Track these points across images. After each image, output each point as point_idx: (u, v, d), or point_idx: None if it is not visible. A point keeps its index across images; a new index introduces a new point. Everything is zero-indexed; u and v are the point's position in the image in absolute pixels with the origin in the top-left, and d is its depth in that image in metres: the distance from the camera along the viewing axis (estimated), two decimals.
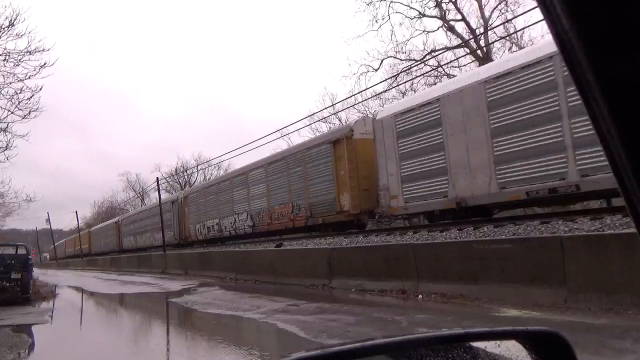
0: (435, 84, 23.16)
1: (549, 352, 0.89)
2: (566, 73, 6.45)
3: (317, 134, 26.76)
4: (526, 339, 0.94)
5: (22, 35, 13.02)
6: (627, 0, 0.45)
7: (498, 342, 0.95)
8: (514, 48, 23.26)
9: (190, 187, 46.75)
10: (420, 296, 8.86)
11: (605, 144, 0.52)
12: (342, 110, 31.57)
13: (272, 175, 18.97)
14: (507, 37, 23.52)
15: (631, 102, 0.48)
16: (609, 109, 0.49)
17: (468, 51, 24.45)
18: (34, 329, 9.91)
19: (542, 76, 9.89)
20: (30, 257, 15.27)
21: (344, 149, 15.02)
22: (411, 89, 26.17)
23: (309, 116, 30.15)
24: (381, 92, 27.11)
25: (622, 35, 0.46)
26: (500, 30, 23.96)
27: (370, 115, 16.46)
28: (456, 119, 11.63)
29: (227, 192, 22.41)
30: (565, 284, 6.82)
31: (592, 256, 6.65)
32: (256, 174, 20.19)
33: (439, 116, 12.10)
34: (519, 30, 22.30)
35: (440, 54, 25.99)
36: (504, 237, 9.09)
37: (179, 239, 26.39)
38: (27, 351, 7.90)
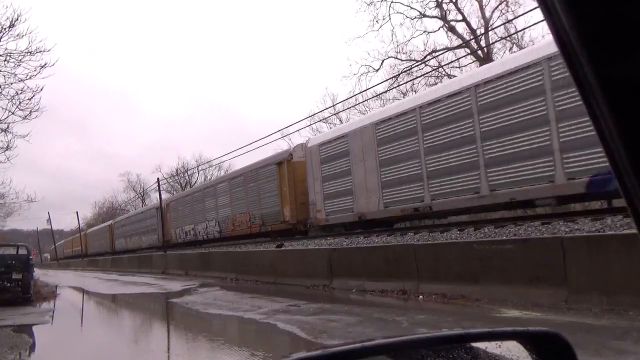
0: (435, 84, 23.16)
1: (550, 353, 0.89)
2: (424, 122, 9.09)
3: (318, 134, 26.93)
4: (527, 339, 0.94)
5: (23, 36, 13.02)
6: (627, 0, 0.45)
7: (499, 342, 0.94)
8: (515, 49, 23.25)
9: (191, 187, 46.87)
10: (420, 297, 8.85)
11: (605, 144, 0.52)
12: (343, 110, 31.59)
13: (235, 188, 21.98)
14: (508, 38, 23.52)
15: (631, 102, 0.48)
16: (609, 108, 0.49)
17: (469, 51, 24.45)
18: (34, 329, 9.92)
19: (408, 124, 12.90)
20: (31, 257, 15.28)
21: (285, 170, 18.06)
22: (412, 90, 26.16)
23: (309, 116, 30.18)
24: (382, 93, 27.11)
25: (622, 35, 0.46)
26: (501, 31, 23.97)
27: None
28: (358, 151, 14.80)
29: (200, 202, 25.63)
30: (566, 285, 6.81)
31: (593, 257, 6.64)
32: (222, 187, 23.41)
33: (347, 148, 15.23)
34: (519, 31, 22.28)
35: (441, 54, 25.98)
36: (504, 237, 9.09)
37: (162, 241, 29.24)
38: (27, 351, 7.92)
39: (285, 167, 18.01)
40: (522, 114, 10.08)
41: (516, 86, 10.18)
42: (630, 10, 0.45)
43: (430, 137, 12.14)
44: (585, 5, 0.46)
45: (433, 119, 12.05)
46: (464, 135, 11.26)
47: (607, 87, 0.48)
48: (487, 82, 10.81)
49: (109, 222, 46.21)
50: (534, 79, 9.85)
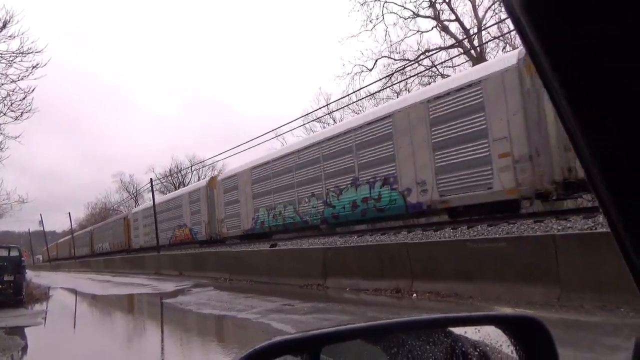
0: (429, 83, 23.21)
1: (527, 337, 0.89)
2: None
3: (311, 133, 27.30)
4: (504, 324, 0.94)
5: (15, 37, 12.93)
6: (591, 22, 0.46)
7: (478, 327, 0.94)
8: (508, 48, 23.34)
9: (184, 186, 47.00)
10: (414, 295, 8.87)
11: (574, 145, 0.54)
12: (337, 110, 31.60)
13: (113, 227, 44.17)
14: (501, 37, 23.62)
15: (591, 105, 0.50)
16: (573, 113, 0.51)
17: (462, 51, 24.52)
18: (27, 331, 9.86)
19: (168, 207, 29.24)
20: (23, 259, 15.18)
21: (126, 222, 38.98)
22: (405, 89, 26.21)
23: (303, 116, 30.22)
24: (375, 92, 27.14)
25: (586, 56, 0.48)
26: (494, 30, 24.06)
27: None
28: (140, 219, 35.45)
29: (106, 230, 47.50)
30: (558, 282, 6.84)
31: (585, 254, 6.67)
32: (110, 224, 46.35)
33: (138, 218, 36.36)
34: (512, 30, 22.34)
35: (434, 54, 26.05)
36: (497, 235, 9.11)
37: (90, 252, 51.17)
38: (20, 353, 7.86)
39: (125, 221, 38.93)
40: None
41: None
42: (594, 32, 0.46)
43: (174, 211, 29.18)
44: (550, 27, 0.48)
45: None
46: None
47: (572, 94, 0.50)
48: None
49: (71, 236, 63.25)
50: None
